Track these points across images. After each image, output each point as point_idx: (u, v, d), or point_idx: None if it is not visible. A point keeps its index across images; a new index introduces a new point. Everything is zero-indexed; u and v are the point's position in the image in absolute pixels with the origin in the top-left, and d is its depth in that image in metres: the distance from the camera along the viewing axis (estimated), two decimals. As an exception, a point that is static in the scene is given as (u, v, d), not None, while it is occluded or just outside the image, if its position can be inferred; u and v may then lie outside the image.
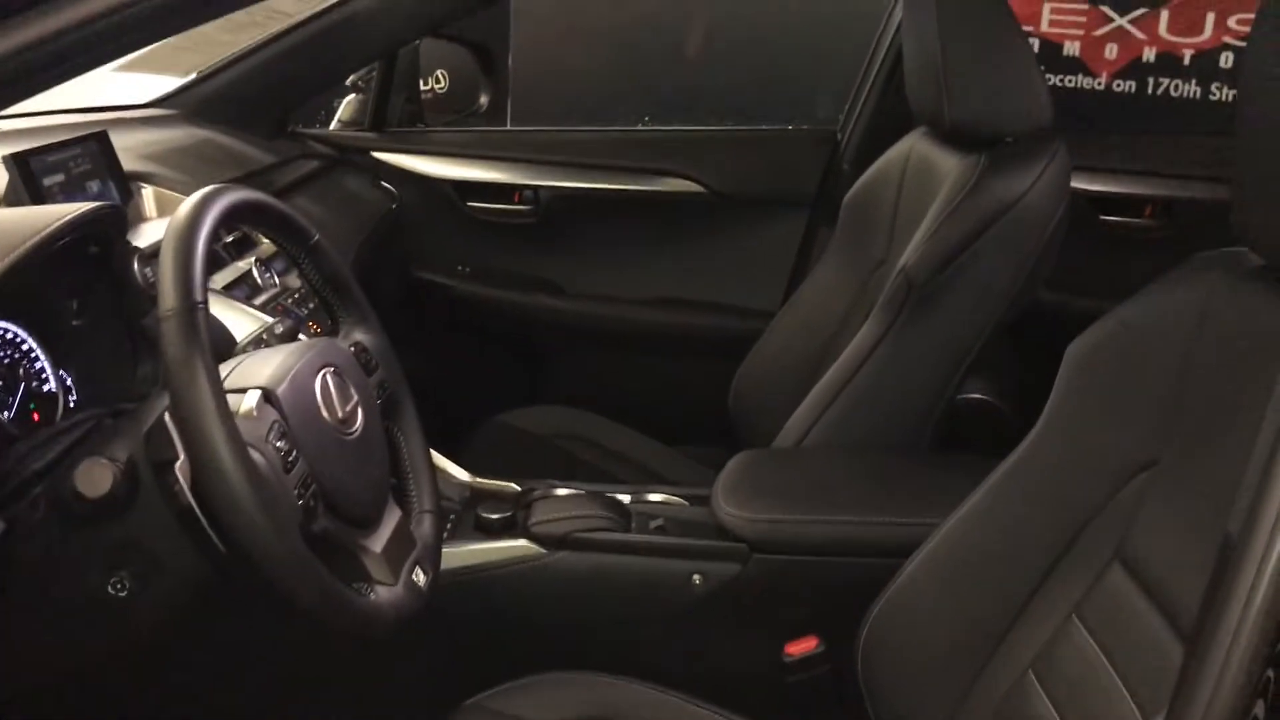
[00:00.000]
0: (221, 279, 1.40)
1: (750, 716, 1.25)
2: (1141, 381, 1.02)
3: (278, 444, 0.92)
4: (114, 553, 0.92)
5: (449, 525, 1.45)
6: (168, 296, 0.86)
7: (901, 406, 1.56)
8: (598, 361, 2.33)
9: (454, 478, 1.52)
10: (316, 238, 1.12)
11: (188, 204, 0.93)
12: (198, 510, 0.89)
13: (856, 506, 1.42)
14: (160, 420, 0.91)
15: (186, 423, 0.85)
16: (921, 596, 1.15)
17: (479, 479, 1.54)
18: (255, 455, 0.89)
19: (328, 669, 1.43)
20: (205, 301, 0.88)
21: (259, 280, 1.43)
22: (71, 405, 1.12)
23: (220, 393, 0.86)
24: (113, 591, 0.92)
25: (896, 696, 1.16)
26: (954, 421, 1.60)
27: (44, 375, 1.10)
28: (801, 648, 1.35)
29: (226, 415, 0.85)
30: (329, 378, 1.03)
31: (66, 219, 1.00)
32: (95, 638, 0.95)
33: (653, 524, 1.45)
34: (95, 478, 0.87)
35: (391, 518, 1.07)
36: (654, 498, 1.53)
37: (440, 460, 1.52)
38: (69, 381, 1.13)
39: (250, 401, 0.93)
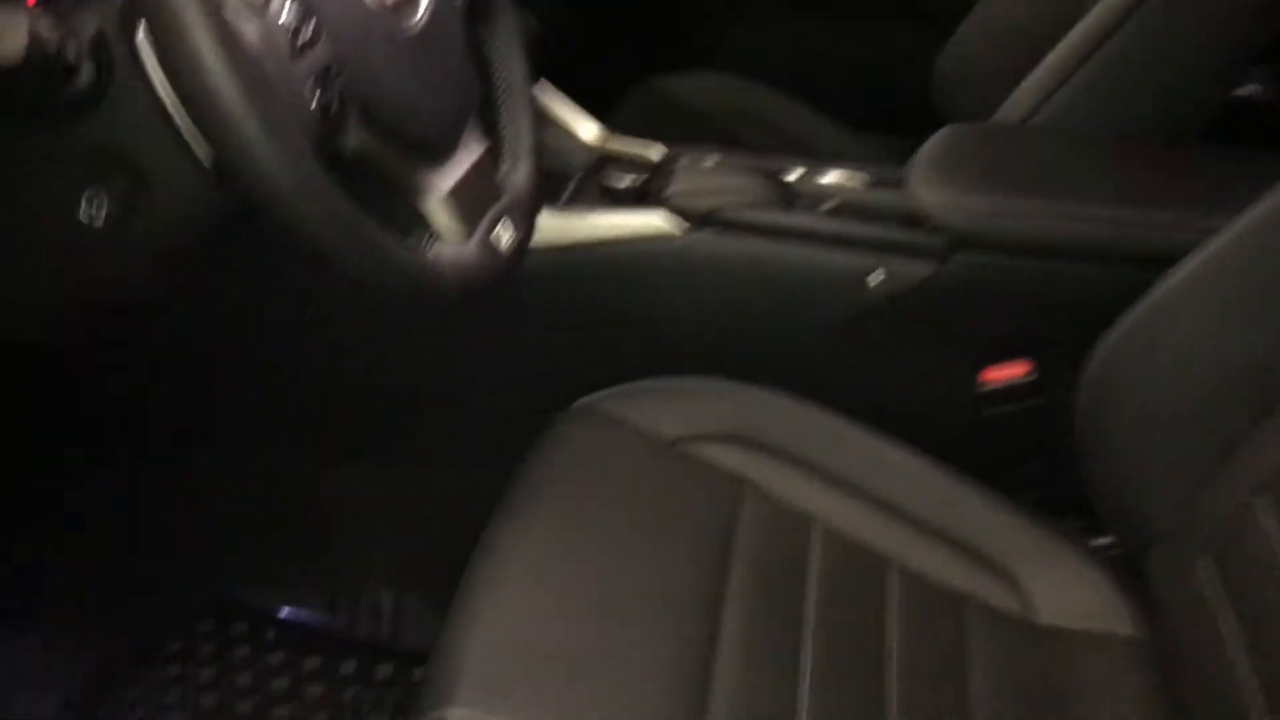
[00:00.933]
0: None
1: (928, 451, 1.04)
2: None
3: (282, 14, 0.65)
4: (86, 161, 0.69)
5: (568, 190, 1.21)
6: None
7: (1162, 88, 1.25)
8: (775, 18, 1.99)
9: (579, 135, 1.27)
10: None
11: None
12: (167, 101, 0.64)
13: (1100, 199, 1.12)
14: None
15: None
16: (1178, 321, 0.91)
17: (613, 138, 1.29)
18: (243, 23, 0.62)
19: (406, 347, 1.24)
20: None
21: None
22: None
23: None
24: (88, 216, 0.70)
25: (1127, 448, 0.93)
26: (1228, 118, 1.29)
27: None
28: (1005, 374, 1.12)
29: None
30: None
31: None
32: (69, 278, 0.75)
33: (824, 206, 1.18)
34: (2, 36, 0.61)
35: (469, 153, 0.83)
36: (829, 177, 1.24)
37: (563, 110, 1.27)
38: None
39: None
